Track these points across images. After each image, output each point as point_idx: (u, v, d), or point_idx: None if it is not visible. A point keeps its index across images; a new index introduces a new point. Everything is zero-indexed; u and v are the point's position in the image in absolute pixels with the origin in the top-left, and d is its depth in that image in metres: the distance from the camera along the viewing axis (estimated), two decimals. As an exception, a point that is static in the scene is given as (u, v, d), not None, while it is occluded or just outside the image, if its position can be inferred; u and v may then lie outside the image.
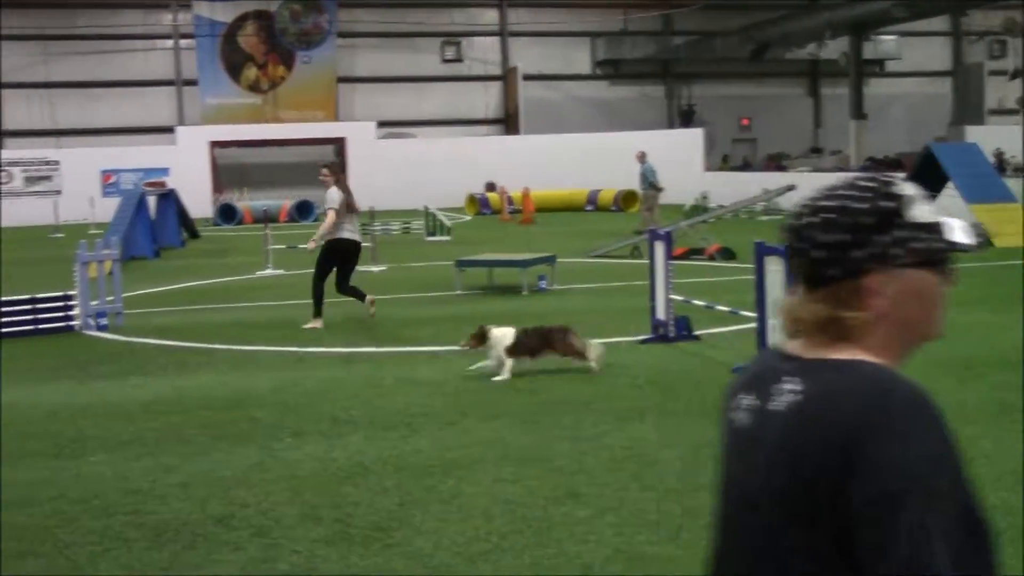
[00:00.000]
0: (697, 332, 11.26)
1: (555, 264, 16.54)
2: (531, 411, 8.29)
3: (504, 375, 9.46)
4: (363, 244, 13.25)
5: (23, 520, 6.01)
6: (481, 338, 9.62)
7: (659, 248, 11.33)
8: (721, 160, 50.54)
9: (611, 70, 52.53)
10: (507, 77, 50.92)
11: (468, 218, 37.20)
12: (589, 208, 39.73)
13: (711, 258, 19.43)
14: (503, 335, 9.56)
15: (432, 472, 6.70)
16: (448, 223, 27.67)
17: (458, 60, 50.86)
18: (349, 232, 12.68)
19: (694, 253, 19.65)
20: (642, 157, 27.13)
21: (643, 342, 11.12)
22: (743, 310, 10.65)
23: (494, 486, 6.38)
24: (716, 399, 8.14)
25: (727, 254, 19.39)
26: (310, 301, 12.92)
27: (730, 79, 52.63)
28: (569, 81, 51.77)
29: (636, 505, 5.99)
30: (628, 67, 52.36)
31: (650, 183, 26.84)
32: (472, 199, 40.28)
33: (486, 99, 51.44)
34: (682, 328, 11.17)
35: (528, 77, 49.52)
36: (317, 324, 12.72)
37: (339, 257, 12.70)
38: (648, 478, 6.48)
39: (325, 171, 13.06)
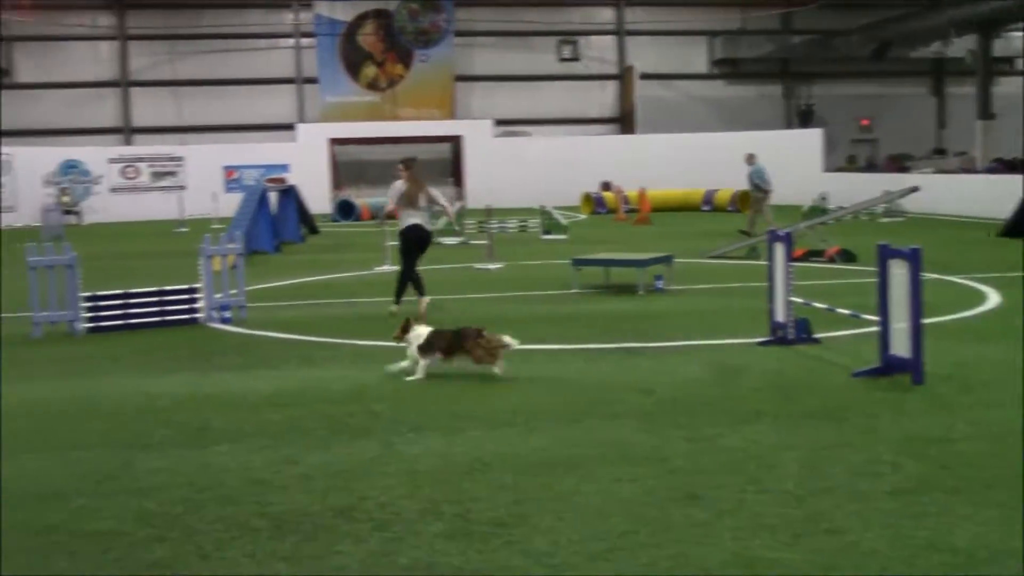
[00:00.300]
0: (817, 335, 11.10)
1: (672, 264, 16.45)
2: (648, 411, 8.26)
3: (418, 375, 9.58)
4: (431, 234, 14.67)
5: (153, 506, 6.19)
6: (406, 329, 9.80)
7: (779, 250, 11.19)
8: (847, 161, 49.72)
9: (729, 69, 52.05)
10: (624, 76, 50.77)
11: (583, 217, 37.17)
12: (705, 208, 39.41)
13: (831, 260, 19.13)
14: (417, 335, 9.65)
15: (551, 470, 6.72)
16: (564, 222, 27.69)
17: (575, 59, 50.88)
18: (414, 220, 13.97)
19: (813, 255, 19.37)
20: (751, 159, 26.75)
21: (762, 344, 11.00)
22: (864, 313, 10.47)
23: (612, 485, 6.37)
24: (836, 402, 8.05)
25: (847, 256, 19.06)
26: (427, 297, 13.89)
27: (851, 78, 51.75)
28: (686, 80, 51.44)
29: (754, 508, 5.93)
30: (746, 66, 51.84)
31: (755, 184, 26.54)
32: (588, 198, 40.24)
33: (602, 98, 51.37)
34: (801, 330, 11.02)
35: (645, 76, 49.33)
36: (425, 300, 13.66)
37: (403, 242, 14.05)
38: (767, 481, 6.41)
39: (400, 166, 14.23)
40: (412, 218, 13.92)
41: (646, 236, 26.74)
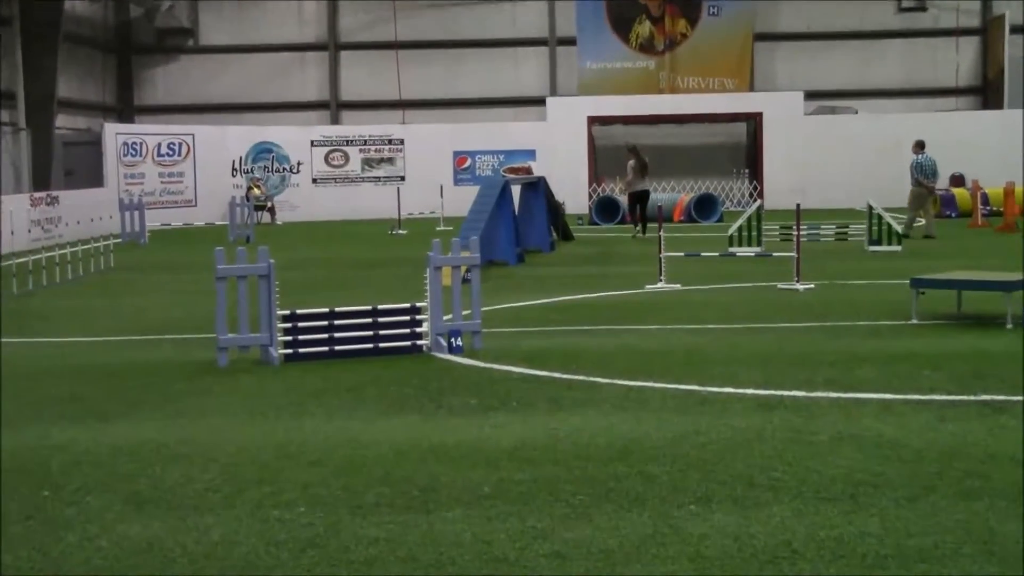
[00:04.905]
0: None
1: (1052, 288, 15.91)
2: (1021, 489, 7.98)
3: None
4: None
5: (367, 586, 6.40)
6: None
7: None
8: None
9: None
10: (988, 31, 49.37)
11: (923, 222, 36.29)
12: (1097, 212, 37.83)
13: None
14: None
15: (886, 563, 6.58)
16: (898, 228, 27.12)
17: (921, 9, 49.78)
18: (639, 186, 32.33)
19: None
20: (918, 147, 28.88)
21: None
22: None
23: (972, 588, 6.21)
24: None
25: None
26: (714, 325, 15.01)
27: None
28: (1077, 36, 49.55)
29: None
30: None
31: (916, 179, 28.65)
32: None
33: (957, 61, 50.04)
34: None
35: (1017, 30, 47.74)
36: (636, 229, 31.27)
37: (632, 200, 32.91)
38: None
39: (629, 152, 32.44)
40: (640, 186, 32.25)
41: (1013, 249, 25.86)
